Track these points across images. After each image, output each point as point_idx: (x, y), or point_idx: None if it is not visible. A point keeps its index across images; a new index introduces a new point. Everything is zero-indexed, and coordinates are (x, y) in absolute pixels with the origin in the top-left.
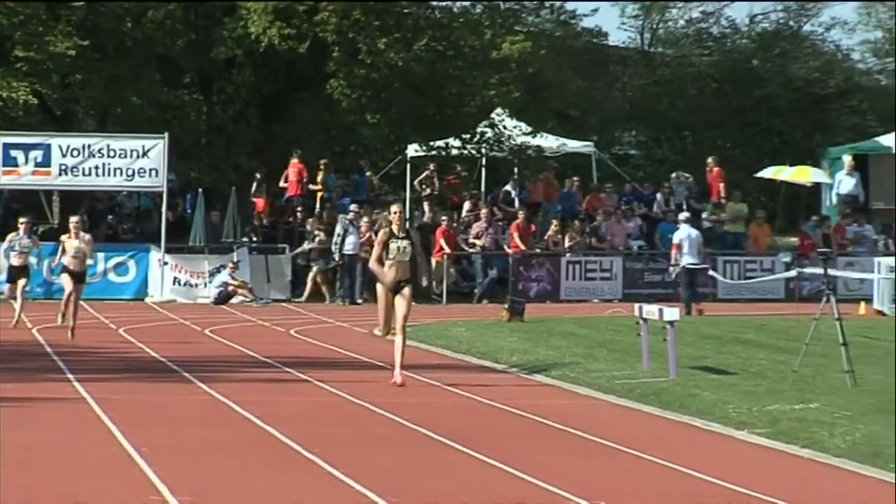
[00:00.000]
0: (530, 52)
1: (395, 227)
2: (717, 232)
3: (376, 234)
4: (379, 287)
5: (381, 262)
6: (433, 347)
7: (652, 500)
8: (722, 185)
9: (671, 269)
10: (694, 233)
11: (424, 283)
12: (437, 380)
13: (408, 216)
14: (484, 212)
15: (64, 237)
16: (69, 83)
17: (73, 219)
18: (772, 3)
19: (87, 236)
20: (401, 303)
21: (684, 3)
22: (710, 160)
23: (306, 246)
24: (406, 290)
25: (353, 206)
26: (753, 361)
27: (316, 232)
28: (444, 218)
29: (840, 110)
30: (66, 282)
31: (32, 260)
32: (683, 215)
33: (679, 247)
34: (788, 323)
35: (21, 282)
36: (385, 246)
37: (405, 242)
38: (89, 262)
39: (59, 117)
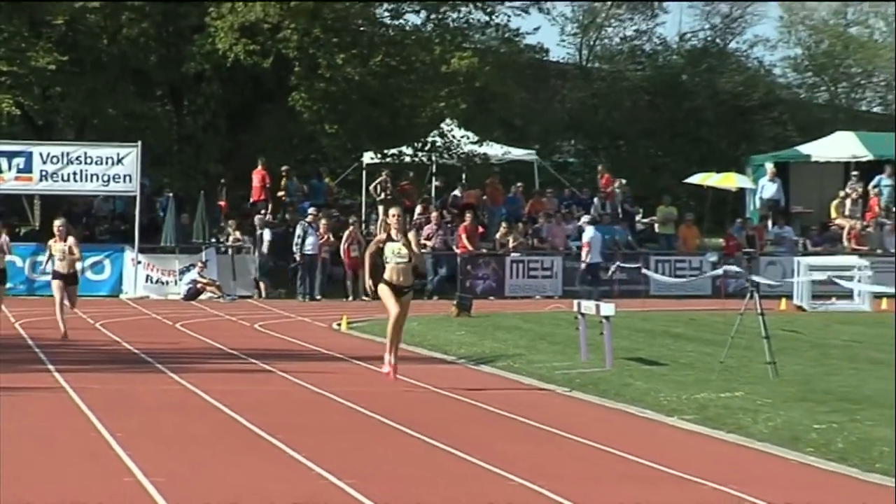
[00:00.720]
0: (477, 67)
1: (393, 231)
2: (648, 233)
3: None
4: (381, 287)
5: (374, 259)
6: (387, 340)
7: (591, 481)
8: (612, 187)
9: (582, 265)
10: (598, 234)
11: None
12: (397, 374)
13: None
14: (434, 215)
15: (51, 241)
16: (50, 95)
17: (57, 222)
18: (700, 22)
19: (72, 238)
20: (400, 308)
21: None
22: (599, 167)
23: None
24: (406, 297)
25: (311, 210)
26: (683, 353)
27: (231, 231)
28: (584, 220)
29: (763, 121)
30: (56, 289)
31: (8, 258)
32: (586, 218)
33: (589, 246)
34: (715, 318)
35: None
36: (380, 248)
37: (401, 245)
38: (78, 264)
39: (41, 127)
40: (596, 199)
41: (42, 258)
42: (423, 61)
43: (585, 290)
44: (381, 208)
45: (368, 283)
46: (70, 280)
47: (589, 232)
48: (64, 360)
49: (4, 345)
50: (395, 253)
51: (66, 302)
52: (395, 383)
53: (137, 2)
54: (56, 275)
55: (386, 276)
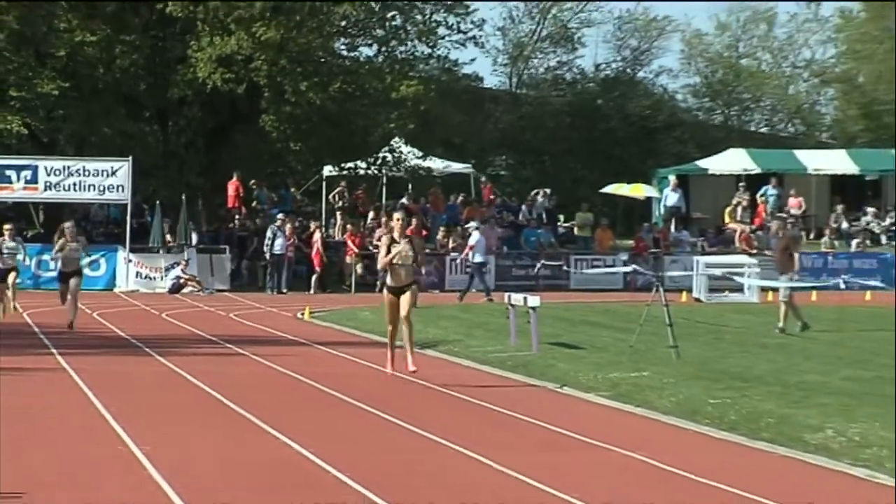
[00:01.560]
0: (422, 93)
1: (395, 234)
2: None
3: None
4: (385, 293)
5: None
6: (344, 328)
7: (515, 447)
8: (492, 196)
9: (465, 261)
10: (483, 238)
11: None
12: (348, 354)
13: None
14: (384, 220)
15: (60, 241)
16: (53, 117)
17: (67, 224)
18: (613, 54)
19: (82, 238)
20: (404, 300)
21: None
22: (482, 178)
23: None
24: (407, 294)
25: (280, 216)
26: (598, 339)
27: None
28: (349, 226)
29: (666, 140)
30: (62, 289)
31: (20, 258)
32: (473, 224)
33: (473, 247)
34: (626, 308)
35: (11, 276)
36: (388, 250)
37: (407, 247)
38: (84, 260)
39: (45, 144)
40: (524, 207)
41: (45, 257)
42: (376, 88)
43: (476, 283)
44: (338, 214)
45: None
46: (75, 274)
47: (475, 236)
48: (65, 344)
49: (14, 332)
50: (401, 254)
51: (69, 295)
52: (353, 365)
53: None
54: (63, 276)
55: (388, 280)
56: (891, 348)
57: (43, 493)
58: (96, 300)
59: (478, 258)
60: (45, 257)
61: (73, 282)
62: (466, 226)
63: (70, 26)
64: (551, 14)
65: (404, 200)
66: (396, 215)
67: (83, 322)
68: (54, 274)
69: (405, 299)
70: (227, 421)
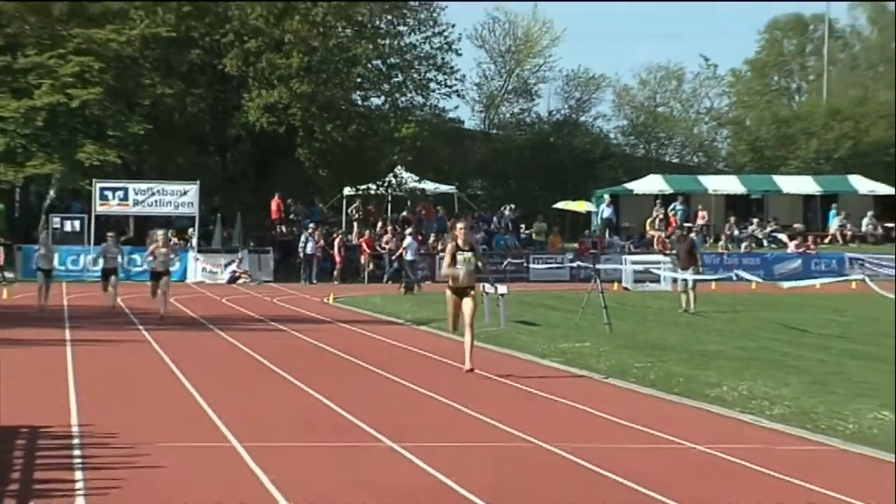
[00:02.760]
0: (417, 132)
1: (459, 241)
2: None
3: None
4: (447, 292)
5: (452, 264)
6: (361, 310)
7: (487, 399)
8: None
9: (393, 259)
10: (414, 242)
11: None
12: (364, 330)
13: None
14: (389, 228)
15: (152, 246)
16: (140, 151)
17: (160, 232)
18: (562, 103)
19: (173, 244)
20: (467, 304)
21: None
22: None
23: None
24: (470, 300)
25: (310, 225)
26: (551, 318)
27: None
28: (366, 232)
29: (602, 168)
30: (153, 286)
31: (119, 260)
32: (409, 230)
33: (406, 248)
34: (572, 295)
35: (112, 278)
36: (453, 256)
37: (469, 254)
38: (175, 264)
39: (134, 171)
40: (495, 218)
41: (135, 256)
42: (383, 129)
43: (407, 277)
44: (355, 224)
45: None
46: (164, 274)
47: (408, 240)
48: (148, 322)
49: (111, 314)
50: (465, 260)
51: (160, 290)
52: (366, 338)
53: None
54: (154, 274)
55: (457, 279)
56: (770, 326)
57: (131, 434)
58: (172, 289)
59: (409, 256)
60: (135, 257)
61: (162, 280)
62: (406, 233)
63: (153, 82)
64: (515, 73)
65: (405, 214)
66: (460, 225)
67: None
68: (143, 268)
69: (468, 305)
70: (271, 379)
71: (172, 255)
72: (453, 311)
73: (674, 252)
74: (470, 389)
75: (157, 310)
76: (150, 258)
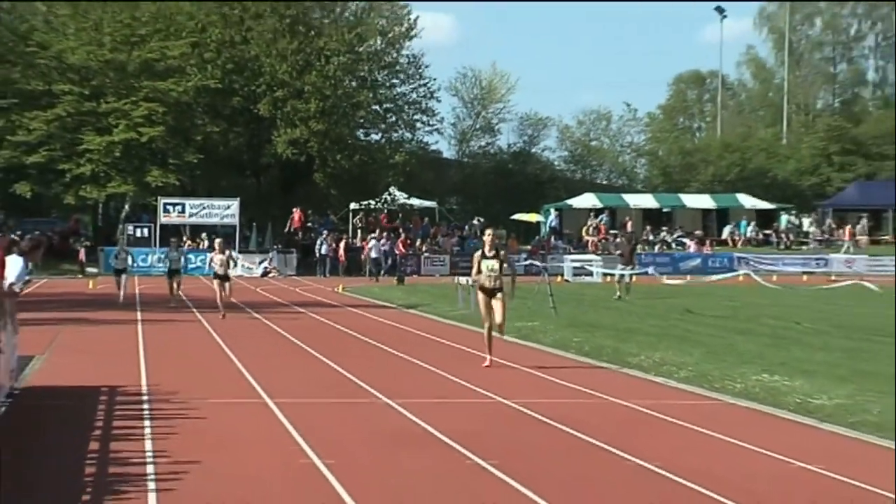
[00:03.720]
0: (407, 160)
1: (486, 249)
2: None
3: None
4: (479, 294)
5: (478, 269)
6: (363, 297)
7: (457, 360)
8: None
9: (363, 256)
10: (377, 244)
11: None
12: (367, 313)
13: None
14: (385, 233)
15: (211, 253)
16: (194, 175)
17: (218, 240)
18: (518, 137)
19: (228, 251)
20: (497, 309)
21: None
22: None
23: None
24: (498, 298)
25: (324, 232)
26: (509, 303)
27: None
28: (371, 236)
29: (549, 188)
30: (216, 284)
31: (182, 262)
32: (372, 236)
33: (370, 249)
34: (527, 286)
35: (176, 278)
36: (478, 264)
37: (494, 261)
38: (231, 269)
39: (189, 191)
40: (467, 227)
41: (189, 256)
42: (380, 158)
43: (372, 271)
44: (359, 231)
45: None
46: (225, 279)
47: (371, 242)
48: (202, 307)
49: (175, 302)
50: (488, 267)
51: (224, 292)
52: (367, 319)
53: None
54: (216, 275)
55: (482, 282)
56: (677, 310)
57: (187, 392)
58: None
59: (373, 255)
60: (189, 256)
61: (227, 285)
62: (369, 236)
63: (203, 122)
64: (481, 115)
65: (397, 223)
66: (488, 231)
67: (210, 295)
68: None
69: (498, 306)
70: (294, 350)
71: (228, 260)
72: (485, 310)
73: (619, 252)
74: (446, 358)
75: (207, 296)
76: (212, 263)
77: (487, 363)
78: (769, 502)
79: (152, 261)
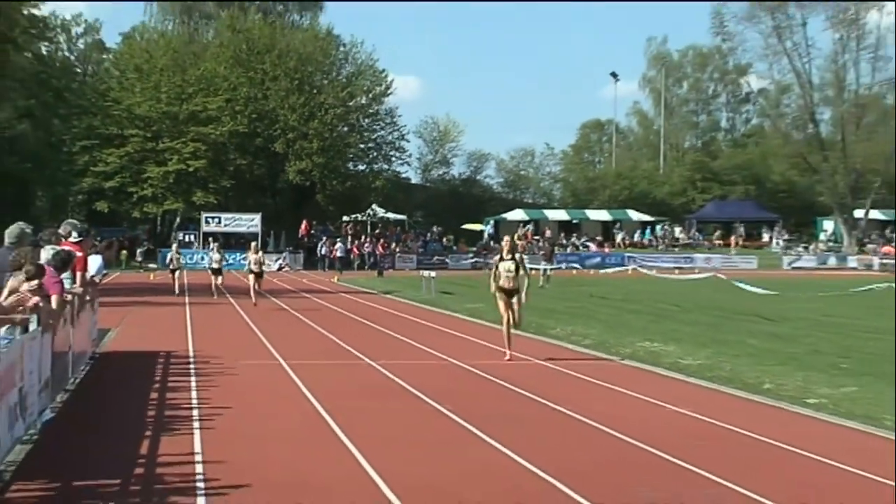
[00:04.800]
0: (385, 185)
1: (504, 252)
2: (447, 246)
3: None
4: (498, 294)
5: (496, 276)
6: (352, 285)
7: (418, 331)
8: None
9: (333, 255)
10: (342, 245)
11: (524, 299)
12: (357, 298)
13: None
14: (369, 239)
15: (248, 252)
16: (227, 196)
17: (254, 244)
18: (466, 168)
19: (261, 252)
20: (516, 309)
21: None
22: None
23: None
24: (514, 300)
25: (324, 238)
26: (461, 290)
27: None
28: (357, 241)
29: (489, 205)
30: (251, 279)
31: (222, 262)
32: (339, 238)
33: (336, 249)
34: (475, 279)
35: (219, 278)
36: (496, 267)
37: (511, 264)
38: (264, 267)
39: (224, 207)
40: (429, 234)
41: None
42: (365, 183)
43: (337, 266)
44: (350, 237)
45: (493, 287)
46: (259, 276)
47: (339, 244)
48: (232, 292)
49: (209, 292)
50: (506, 269)
51: (257, 285)
52: (356, 303)
53: (257, 160)
54: (251, 271)
55: (500, 282)
56: (584, 295)
57: (223, 356)
58: (242, 275)
59: (340, 254)
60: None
61: (259, 280)
62: (337, 242)
63: (234, 157)
64: (439, 151)
65: (377, 231)
66: (506, 237)
67: (239, 285)
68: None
69: (516, 307)
70: (301, 324)
71: (262, 260)
72: (504, 309)
73: (542, 252)
74: (414, 331)
75: (237, 285)
76: (247, 263)
77: (508, 357)
78: (655, 435)
79: (196, 259)
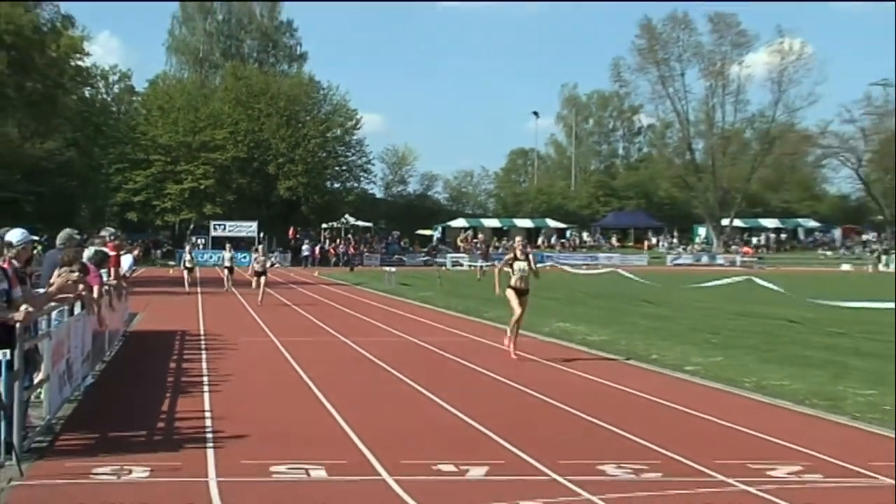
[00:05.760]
0: (355, 199)
1: (517, 252)
2: (405, 248)
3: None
4: (509, 291)
5: (502, 271)
6: (328, 277)
7: (389, 316)
8: (296, 235)
9: (305, 254)
10: (309, 247)
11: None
12: (334, 289)
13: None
14: (343, 241)
15: (254, 255)
16: (231, 207)
17: (260, 246)
18: (421, 186)
19: (266, 254)
20: (524, 308)
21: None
22: (373, 227)
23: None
24: (525, 299)
25: (306, 240)
26: (416, 282)
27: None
28: (333, 243)
29: (437, 215)
30: (254, 281)
31: (233, 261)
32: (262, 246)
33: (305, 249)
34: (426, 274)
35: (230, 274)
36: (511, 264)
37: (524, 263)
38: (267, 265)
39: (228, 217)
40: (390, 237)
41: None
42: (340, 198)
43: (308, 262)
44: (328, 240)
45: (497, 289)
46: (262, 274)
47: (305, 246)
48: (238, 286)
49: (221, 284)
50: (520, 269)
51: (260, 284)
52: (334, 293)
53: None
54: (254, 272)
55: (512, 283)
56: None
57: (227, 334)
58: (243, 269)
59: (305, 253)
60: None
61: (262, 279)
62: (305, 244)
63: (237, 177)
64: (398, 173)
65: (350, 236)
66: (518, 238)
67: (243, 282)
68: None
69: (524, 305)
70: (288, 309)
71: (265, 260)
72: (517, 306)
73: (479, 252)
74: (378, 314)
75: (241, 280)
76: (253, 262)
77: (511, 354)
78: (568, 395)
79: (206, 258)
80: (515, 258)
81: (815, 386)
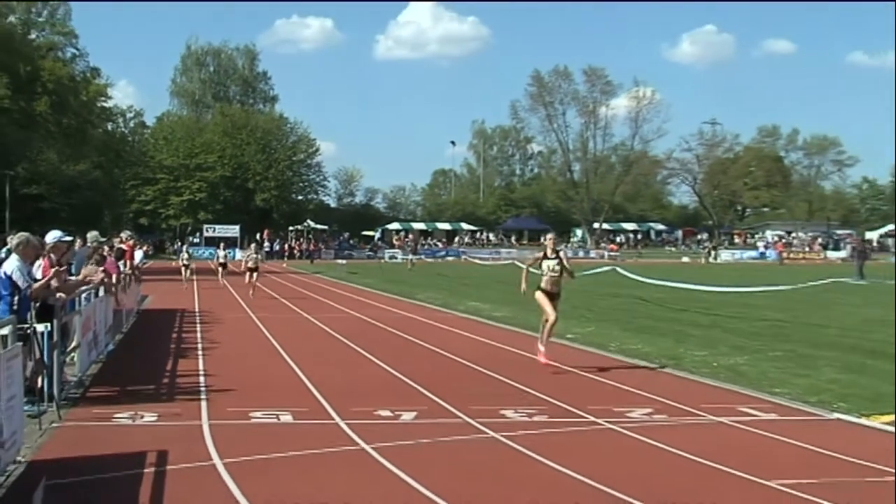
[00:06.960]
0: (315, 208)
1: (548, 250)
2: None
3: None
4: (538, 293)
5: (528, 270)
6: (296, 269)
7: (375, 309)
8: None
9: (275, 249)
10: (267, 242)
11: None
12: (298, 276)
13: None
14: (305, 240)
15: (248, 252)
16: (219, 215)
17: (253, 244)
18: (363, 198)
19: (260, 251)
20: (554, 311)
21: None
22: (327, 231)
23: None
24: (556, 302)
25: (277, 240)
26: (363, 271)
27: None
28: (298, 242)
29: (379, 220)
30: (247, 276)
31: (228, 257)
32: (267, 241)
33: (271, 245)
34: (394, 266)
35: (224, 269)
36: (540, 261)
37: (555, 262)
38: (261, 261)
39: (216, 221)
40: (341, 237)
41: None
42: (303, 207)
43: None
44: (302, 239)
45: (523, 285)
46: (255, 271)
47: (266, 243)
48: (228, 279)
49: (220, 284)
50: (549, 268)
51: (252, 279)
52: (318, 286)
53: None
54: (248, 268)
55: (542, 284)
56: (447, 278)
57: (216, 312)
58: (233, 265)
59: (275, 248)
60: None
61: (255, 275)
62: (267, 241)
63: (224, 191)
64: (349, 188)
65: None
66: (549, 235)
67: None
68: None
69: (555, 309)
70: (265, 294)
71: (257, 257)
72: (548, 308)
73: (410, 248)
74: (335, 297)
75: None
76: (246, 259)
77: (542, 358)
78: (480, 359)
79: (200, 253)
80: (545, 256)
81: (662, 349)
